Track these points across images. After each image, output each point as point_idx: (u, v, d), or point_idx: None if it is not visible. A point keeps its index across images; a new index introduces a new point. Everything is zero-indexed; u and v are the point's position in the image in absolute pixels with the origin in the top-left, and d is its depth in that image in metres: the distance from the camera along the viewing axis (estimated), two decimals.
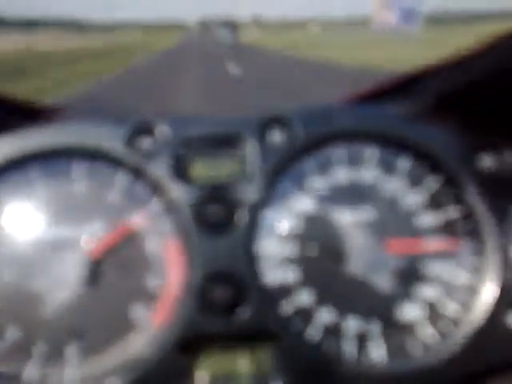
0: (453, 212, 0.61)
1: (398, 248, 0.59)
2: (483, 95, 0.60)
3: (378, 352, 0.59)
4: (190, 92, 8.26)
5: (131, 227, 0.59)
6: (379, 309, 0.60)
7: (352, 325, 0.59)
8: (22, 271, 0.58)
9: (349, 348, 0.59)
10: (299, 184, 0.61)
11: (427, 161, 0.62)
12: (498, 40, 0.50)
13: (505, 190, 0.60)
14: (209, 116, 0.63)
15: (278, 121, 0.60)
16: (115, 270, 0.59)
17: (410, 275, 0.60)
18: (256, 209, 0.59)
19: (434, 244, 0.60)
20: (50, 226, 0.59)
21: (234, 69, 12.07)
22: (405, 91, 0.64)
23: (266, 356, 0.58)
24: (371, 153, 0.62)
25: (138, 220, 0.59)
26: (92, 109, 0.66)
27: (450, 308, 0.60)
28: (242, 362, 0.58)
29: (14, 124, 0.60)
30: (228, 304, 0.56)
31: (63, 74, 11.58)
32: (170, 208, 0.59)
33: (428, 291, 0.60)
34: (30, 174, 0.60)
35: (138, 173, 0.60)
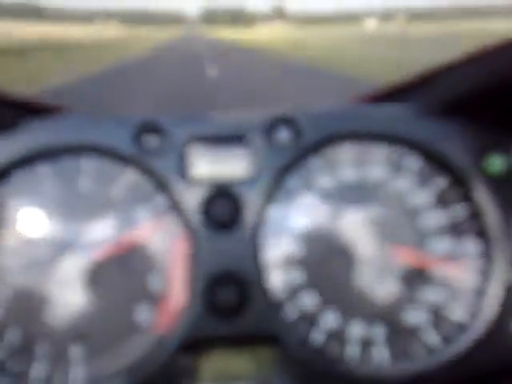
0: (460, 212, 0.70)
1: (405, 258, 0.69)
2: (493, 96, 0.68)
3: (381, 356, 0.68)
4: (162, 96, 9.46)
5: (137, 237, 0.68)
6: (383, 312, 0.68)
7: (356, 328, 0.68)
8: (28, 272, 0.67)
9: (352, 352, 0.68)
10: (306, 183, 0.70)
11: (436, 161, 0.71)
12: (505, 41, 0.59)
13: None
14: (216, 115, 0.72)
15: (285, 120, 0.70)
16: (119, 270, 0.67)
17: (415, 278, 0.69)
18: (262, 207, 0.68)
19: (441, 269, 0.69)
20: (57, 224, 0.68)
21: (212, 72, 13.89)
22: (414, 92, 0.74)
23: (269, 359, 0.67)
24: (379, 152, 0.71)
25: (144, 230, 0.68)
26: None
27: (455, 312, 0.69)
28: (245, 365, 0.67)
29: (22, 122, 0.70)
30: (232, 306, 0.64)
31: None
32: (176, 206, 0.68)
33: (433, 295, 0.69)
34: (38, 172, 0.69)
35: (144, 171, 0.69)
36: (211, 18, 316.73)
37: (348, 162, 0.71)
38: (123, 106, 8.20)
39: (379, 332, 0.68)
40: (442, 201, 0.70)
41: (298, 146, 0.69)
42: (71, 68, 15.41)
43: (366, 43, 29.34)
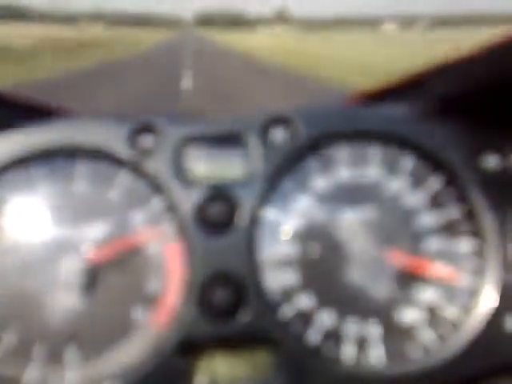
0: (455, 212, 0.73)
1: (400, 258, 0.72)
2: (487, 96, 0.71)
3: (377, 355, 0.70)
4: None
5: (134, 240, 0.70)
6: (379, 312, 0.71)
7: (352, 328, 0.71)
8: (23, 273, 0.69)
9: (348, 351, 0.70)
10: (301, 184, 0.73)
11: (430, 161, 0.74)
12: (501, 41, 0.61)
13: (508, 191, 0.73)
14: (211, 116, 0.75)
15: (280, 120, 0.72)
16: (115, 272, 0.70)
17: (410, 278, 0.72)
18: (258, 209, 0.70)
19: (435, 269, 0.72)
20: (51, 226, 0.71)
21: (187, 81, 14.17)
22: (409, 92, 0.77)
23: (265, 359, 0.69)
24: (374, 153, 0.74)
25: (141, 232, 0.71)
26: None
27: (450, 311, 0.72)
28: (242, 365, 0.70)
29: (17, 122, 0.72)
30: (228, 307, 0.67)
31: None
32: (171, 207, 0.70)
33: (428, 294, 0.72)
34: (32, 173, 0.72)
35: (139, 172, 0.71)
36: (208, 21, 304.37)
37: (343, 163, 0.74)
38: (91, 105, 8.64)
39: (375, 331, 0.71)
40: (437, 201, 0.74)
41: (293, 147, 0.72)
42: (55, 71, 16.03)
43: (382, 51, 27.84)
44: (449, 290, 0.72)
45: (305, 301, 0.71)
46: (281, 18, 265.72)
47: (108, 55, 25.94)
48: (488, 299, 0.71)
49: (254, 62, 21.45)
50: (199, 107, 8.16)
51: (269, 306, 0.69)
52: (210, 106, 8.44)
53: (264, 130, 0.72)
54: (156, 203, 0.71)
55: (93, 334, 0.69)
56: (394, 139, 0.74)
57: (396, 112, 0.76)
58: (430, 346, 0.71)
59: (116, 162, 0.72)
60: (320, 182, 0.74)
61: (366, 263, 0.72)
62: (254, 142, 0.72)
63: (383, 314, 0.71)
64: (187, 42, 44.26)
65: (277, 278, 0.71)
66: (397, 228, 0.73)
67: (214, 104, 8.72)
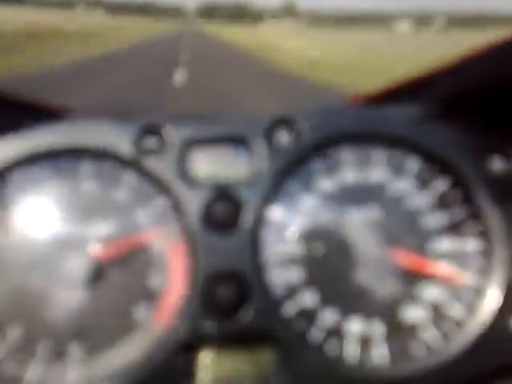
0: (461, 213, 0.75)
1: (405, 258, 0.72)
2: (493, 97, 0.72)
3: (380, 354, 0.72)
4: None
5: (139, 239, 0.72)
6: (383, 310, 0.72)
7: (355, 326, 0.72)
8: (28, 271, 0.71)
9: (351, 350, 0.71)
10: (306, 185, 0.74)
11: (436, 162, 0.75)
12: (506, 40, 0.61)
13: None
14: (216, 116, 0.76)
15: (285, 121, 0.74)
16: (119, 269, 0.71)
17: (414, 277, 0.73)
18: (262, 208, 0.72)
19: (440, 269, 0.73)
20: (57, 225, 0.72)
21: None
22: (414, 93, 0.78)
23: (268, 357, 0.70)
24: (379, 154, 0.76)
25: (146, 233, 0.72)
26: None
27: (454, 310, 0.73)
28: (245, 363, 0.71)
29: (23, 123, 0.73)
30: (231, 305, 0.68)
31: None
32: (176, 208, 0.72)
33: (432, 293, 0.73)
34: (39, 173, 0.73)
35: (145, 173, 0.73)
36: (211, 13, 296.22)
37: (348, 164, 0.75)
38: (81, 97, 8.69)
39: (378, 330, 0.72)
40: (443, 202, 0.75)
41: (298, 148, 0.73)
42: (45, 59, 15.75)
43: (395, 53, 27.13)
44: (453, 289, 0.73)
45: (308, 299, 0.72)
46: (288, 11, 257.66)
47: (107, 45, 24.81)
48: (493, 298, 0.72)
49: (254, 60, 21.45)
50: (192, 104, 8.19)
51: (272, 304, 0.70)
52: (204, 104, 8.30)
53: (268, 132, 0.73)
54: (161, 203, 0.73)
55: (96, 332, 0.70)
56: (399, 141, 0.75)
57: (401, 114, 0.76)
58: (433, 344, 0.72)
59: (121, 162, 0.73)
60: (325, 183, 0.75)
61: (371, 262, 0.73)
62: (258, 144, 0.73)
63: (387, 312, 0.72)
64: (185, 37, 43.76)
65: (280, 277, 0.72)
66: (402, 228, 0.74)
67: (208, 103, 8.48)
